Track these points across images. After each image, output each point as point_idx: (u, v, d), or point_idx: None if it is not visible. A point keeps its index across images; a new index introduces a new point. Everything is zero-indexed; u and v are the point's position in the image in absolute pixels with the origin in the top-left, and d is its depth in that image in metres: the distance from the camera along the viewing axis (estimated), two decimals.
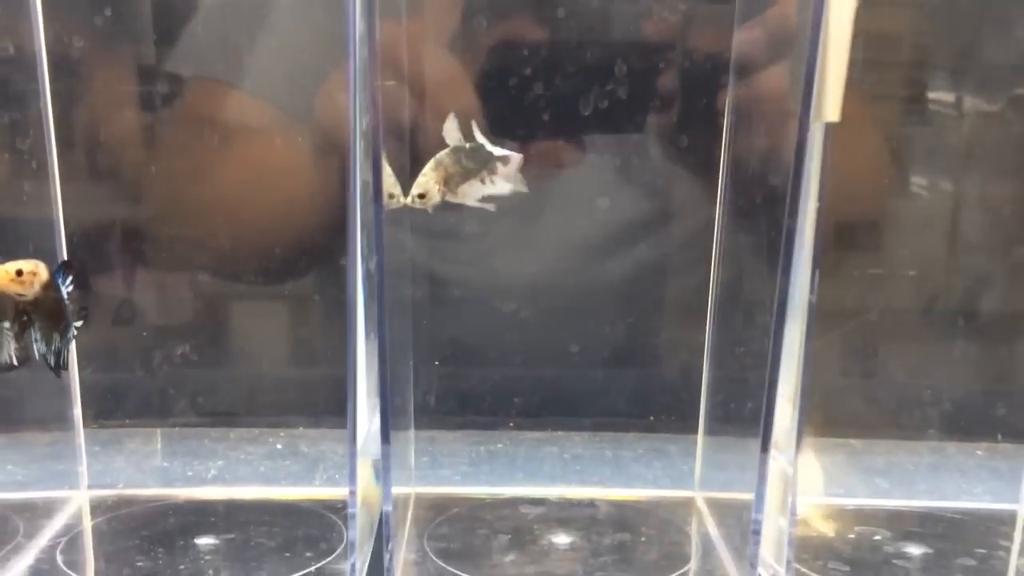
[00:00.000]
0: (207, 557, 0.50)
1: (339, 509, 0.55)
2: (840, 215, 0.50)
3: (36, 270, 0.43)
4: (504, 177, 0.46)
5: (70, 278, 0.46)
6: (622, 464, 0.64)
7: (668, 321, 0.67)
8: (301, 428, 0.68)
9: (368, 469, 0.47)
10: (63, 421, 0.57)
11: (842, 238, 0.60)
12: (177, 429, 0.66)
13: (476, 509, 0.56)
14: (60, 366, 0.46)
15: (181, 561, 0.49)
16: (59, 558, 0.50)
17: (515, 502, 0.57)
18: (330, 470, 0.62)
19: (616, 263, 0.65)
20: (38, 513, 0.54)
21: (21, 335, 0.45)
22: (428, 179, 0.46)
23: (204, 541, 0.52)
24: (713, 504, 0.56)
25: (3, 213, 0.56)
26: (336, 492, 0.58)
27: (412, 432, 0.59)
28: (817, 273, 0.42)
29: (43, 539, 0.52)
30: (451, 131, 0.47)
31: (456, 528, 0.54)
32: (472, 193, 0.46)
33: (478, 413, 0.68)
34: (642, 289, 0.66)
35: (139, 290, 0.64)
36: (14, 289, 0.43)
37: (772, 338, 0.43)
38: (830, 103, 0.39)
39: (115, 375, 0.65)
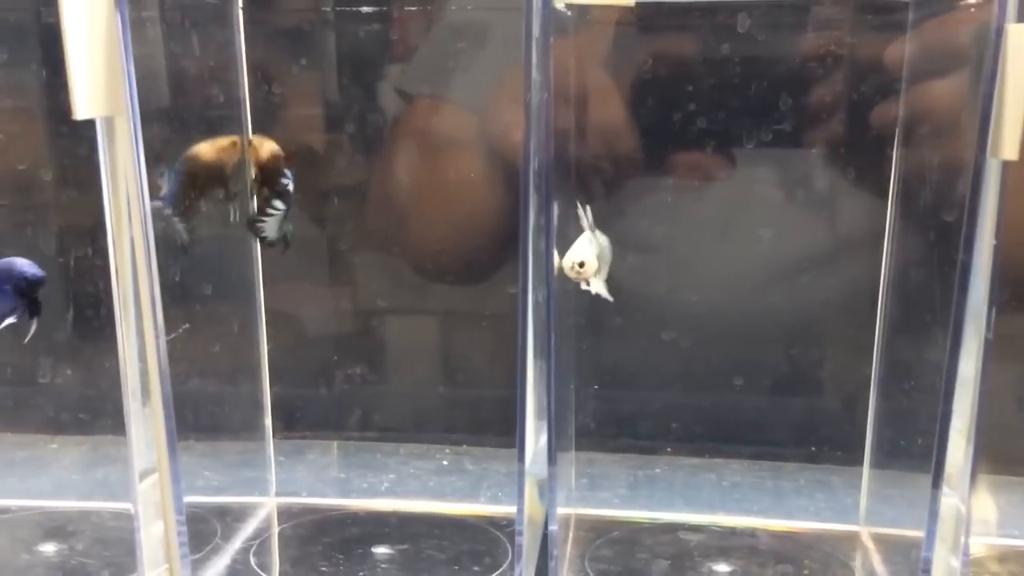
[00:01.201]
0: (383, 566, 0.54)
1: (503, 526, 0.58)
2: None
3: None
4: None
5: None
6: (782, 494, 0.64)
7: (833, 351, 0.66)
8: (465, 446, 0.71)
9: (533, 488, 0.50)
10: (254, 431, 0.62)
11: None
12: (352, 443, 0.71)
13: (635, 533, 0.58)
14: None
15: (360, 568, 0.53)
16: (252, 560, 0.54)
17: (674, 528, 0.58)
18: (493, 488, 0.65)
19: (783, 290, 0.65)
20: (233, 517, 0.59)
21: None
22: (588, 251, 0.48)
23: (380, 550, 0.55)
24: (879, 540, 0.55)
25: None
26: (500, 509, 0.60)
27: (573, 454, 0.60)
28: (993, 310, 0.41)
29: (237, 541, 0.57)
30: (584, 218, 0.50)
31: (616, 551, 0.55)
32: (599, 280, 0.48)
33: (637, 437, 0.69)
34: (808, 317, 0.66)
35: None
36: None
37: (945, 373, 0.42)
38: (1008, 140, 0.38)
39: (298, 390, 0.71)
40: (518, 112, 0.45)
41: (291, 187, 0.54)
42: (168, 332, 0.50)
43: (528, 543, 0.49)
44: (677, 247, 0.66)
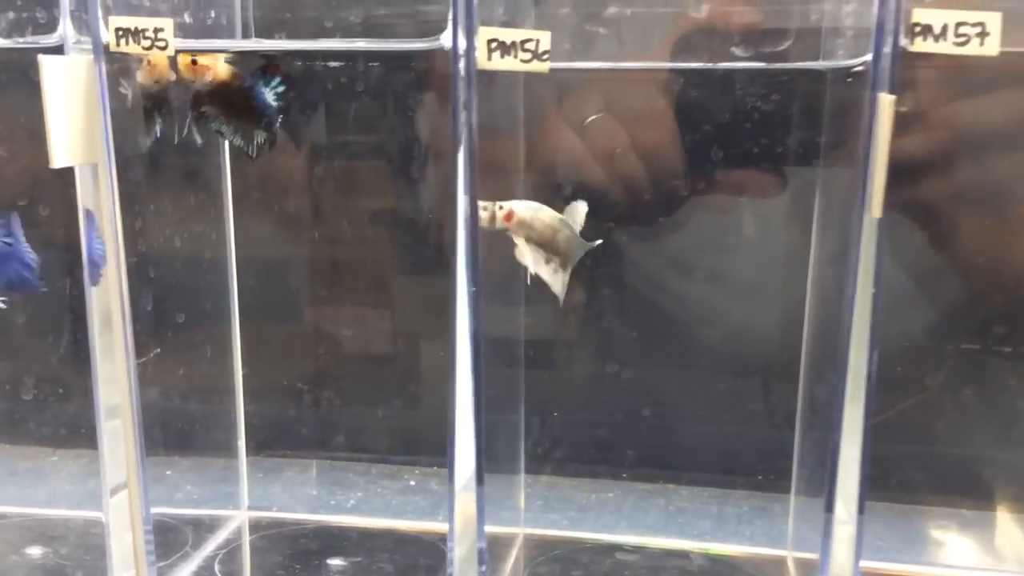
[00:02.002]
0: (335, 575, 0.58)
1: None
2: None
3: (210, 64, 0.53)
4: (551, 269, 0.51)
5: (277, 79, 0.54)
6: (724, 520, 0.67)
7: (779, 382, 0.70)
8: (435, 467, 0.75)
9: (472, 507, 0.54)
10: (230, 448, 0.67)
11: None
12: (327, 462, 0.75)
13: (576, 552, 0.61)
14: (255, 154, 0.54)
15: None
16: (217, 568, 0.59)
17: (613, 548, 0.62)
18: None
19: (731, 321, 0.69)
20: (205, 528, 0.64)
21: (198, 121, 0.54)
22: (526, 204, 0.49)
23: (335, 562, 0.60)
24: (801, 564, 0.58)
25: None
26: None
27: (522, 476, 0.64)
28: (875, 352, 0.45)
29: (206, 551, 0.61)
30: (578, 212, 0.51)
31: (554, 568, 0.59)
32: (532, 255, 0.50)
33: (593, 463, 0.73)
34: (756, 349, 0.69)
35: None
36: (187, 75, 0.53)
37: (833, 407, 0.46)
38: (876, 200, 0.42)
39: (277, 410, 0.75)
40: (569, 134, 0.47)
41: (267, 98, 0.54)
42: (142, 355, 0.55)
43: (466, 558, 0.53)
44: (630, 278, 0.70)
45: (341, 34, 0.62)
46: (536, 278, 0.51)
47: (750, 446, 0.70)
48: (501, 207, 0.50)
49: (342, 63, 0.63)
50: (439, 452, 0.75)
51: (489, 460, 0.60)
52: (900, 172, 0.56)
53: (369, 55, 0.63)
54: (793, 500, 0.60)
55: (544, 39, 0.46)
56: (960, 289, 0.64)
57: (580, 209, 0.51)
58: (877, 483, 0.66)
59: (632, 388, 0.73)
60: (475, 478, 0.51)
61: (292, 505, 0.69)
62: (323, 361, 0.76)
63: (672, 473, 0.72)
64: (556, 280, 0.51)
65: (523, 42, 0.46)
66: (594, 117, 0.61)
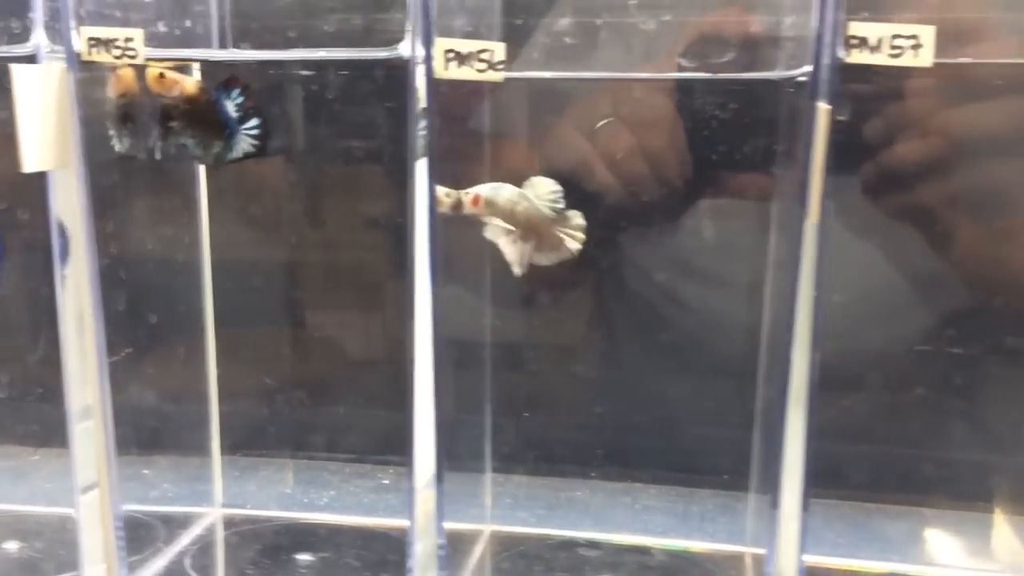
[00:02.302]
0: (302, 571, 0.59)
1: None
2: None
3: (179, 79, 0.53)
4: (522, 248, 0.52)
5: (236, 91, 0.54)
6: (688, 517, 0.68)
7: (742, 382, 0.71)
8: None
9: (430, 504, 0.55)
10: (204, 447, 0.69)
11: None
12: (303, 461, 0.76)
13: (539, 548, 0.63)
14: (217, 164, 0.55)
15: (281, 572, 0.59)
16: (187, 562, 0.61)
17: (576, 544, 0.63)
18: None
19: (702, 320, 0.70)
20: (178, 524, 0.65)
21: (165, 135, 0.54)
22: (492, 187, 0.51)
23: (303, 558, 0.61)
24: (757, 559, 0.59)
25: None
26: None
27: (489, 475, 0.66)
28: (818, 355, 0.46)
29: (178, 546, 0.63)
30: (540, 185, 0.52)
31: (518, 564, 0.61)
32: (502, 230, 0.52)
33: (563, 462, 0.74)
34: (728, 346, 0.71)
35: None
36: (155, 89, 0.53)
37: (776, 405, 0.48)
38: (814, 206, 0.44)
39: (254, 409, 0.77)
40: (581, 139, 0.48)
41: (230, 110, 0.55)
42: (114, 355, 0.57)
43: (430, 554, 0.55)
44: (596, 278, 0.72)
45: (314, 44, 0.63)
46: (530, 273, 0.52)
47: (716, 445, 0.71)
48: (467, 193, 0.52)
49: (313, 72, 0.64)
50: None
51: (453, 459, 0.62)
52: (894, 177, 0.58)
53: (340, 64, 0.64)
54: (752, 498, 0.62)
55: (499, 50, 0.48)
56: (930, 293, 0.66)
57: (540, 183, 0.51)
58: (843, 482, 0.69)
59: (602, 389, 0.75)
60: (436, 477, 0.53)
61: (266, 503, 0.70)
62: (300, 362, 0.78)
63: (640, 472, 0.74)
64: (514, 251, 0.52)
65: (478, 52, 0.48)
66: (604, 122, 0.63)
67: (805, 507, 0.48)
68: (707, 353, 0.70)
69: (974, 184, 0.60)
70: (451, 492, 0.65)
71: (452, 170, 0.53)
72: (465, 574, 0.59)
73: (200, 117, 0.55)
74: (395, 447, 0.78)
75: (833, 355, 0.67)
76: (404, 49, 0.49)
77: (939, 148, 0.58)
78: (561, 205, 0.50)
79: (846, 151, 0.56)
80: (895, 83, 0.57)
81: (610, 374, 0.77)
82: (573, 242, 0.51)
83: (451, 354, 0.66)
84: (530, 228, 0.51)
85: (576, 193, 0.59)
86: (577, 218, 0.51)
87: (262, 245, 0.71)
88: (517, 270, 0.53)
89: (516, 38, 0.60)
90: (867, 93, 0.56)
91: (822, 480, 0.69)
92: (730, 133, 0.60)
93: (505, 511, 0.69)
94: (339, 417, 0.77)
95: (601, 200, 0.64)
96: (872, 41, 0.43)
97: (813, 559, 0.59)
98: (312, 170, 0.68)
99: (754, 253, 0.60)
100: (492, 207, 0.52)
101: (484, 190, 0.52)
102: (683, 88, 0.58)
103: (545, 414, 0.75)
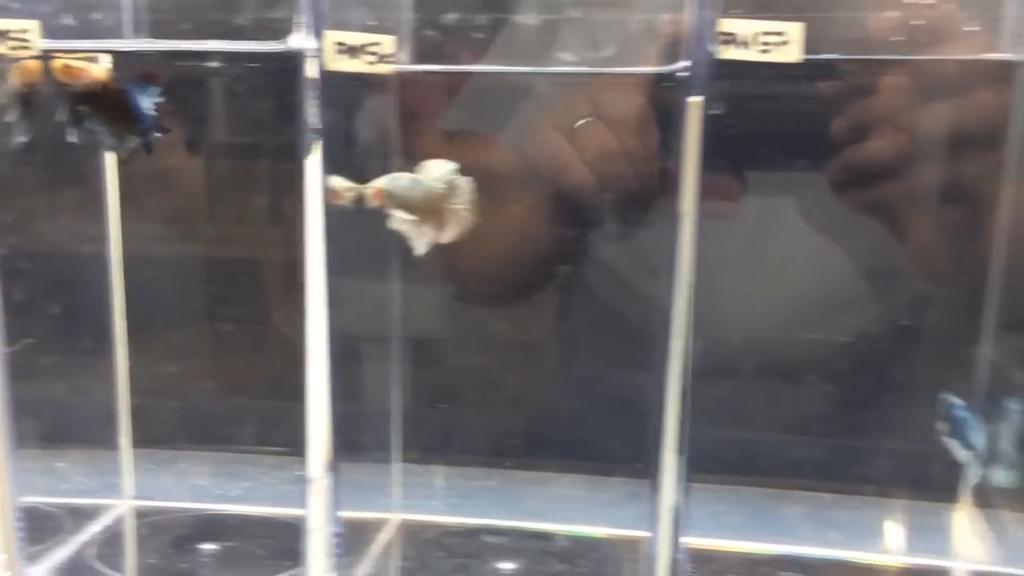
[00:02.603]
0: (205, 560, 0.60)
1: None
2: None
3: (86, 67, 0.53)
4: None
5: (155, 89, 0.55)
6: (597, 505, 0.70)
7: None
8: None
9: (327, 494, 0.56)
10: (114, 440, 0.69)
11: None
12: (221, 454, 0.77)
13: (445, 536, 0.64)
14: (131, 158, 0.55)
15: (183, 562, 0.60)
16: (91, 552, 0.61)
17: (481, 531, 0.64)
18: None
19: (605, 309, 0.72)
20: (85, 516, 0.65)
21: (77, 122, 0.54)
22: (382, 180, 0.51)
23: (207, 547, 0.62)
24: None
25: None
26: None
27: (399, 464, 0.67)
28: (691, 339, 0.48)
29: (83, 536, 0.63)
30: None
31: (422, 550, 0.62)
32: (403, 224, 0.52)
33: (479, 452, 0.75)
34: (625, 339, 0.72)
35: None
36: (62, 78, 0.53)
37: (654, 392, 0.49)
38: (687, 198, 0.45)
39: (172, 404, 0.77)
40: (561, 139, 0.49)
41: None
42: (15, 344, 0.57)
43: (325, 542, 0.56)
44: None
45: (234, 36, 0.64)
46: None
47: (625, 433, 0.73)
48: (369, 187, 0.53)
49: (223, 64, 0.65)
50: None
51: (359, 450, 0.63)
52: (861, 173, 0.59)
53: (252, 57, 0.65)
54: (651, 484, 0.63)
55: (388, 43, 0.49)
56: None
57: (433, 165, 0.52)
58: (744, 468, 0.71)
59: (518, 379, 0.76)
60: (329, 465, 0.53)
61: (179, 495, 0.71)
62: (220, 356, 0.78)
63: (555, 461, 0.75)
64: (418, 235, 0.53)
65: (367, 45, 0.49)
66: (583, 122, 0.64)
67: (684, 491, 0.49)
68: (616, 343, 0.72)
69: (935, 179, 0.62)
70: (360, 482, 0.66)
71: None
72: (367, 562, 0.60)
73: (111, 104, 0.55)
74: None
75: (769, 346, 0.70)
76: (295, 42, 0.50)
77: (898, 145, 0.60)
78: (452, 179, 0.51)
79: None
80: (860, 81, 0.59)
81: (530, 365, 0.78)
82: (467, 214, 0.51)
83: (361, 346, 0.67)
84: (429, 211, 0.52)
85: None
86: (468, 192, 0.52)
87: (170, 239, 0.71)
88: (419, 252, 0.54)
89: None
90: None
91: (732, 466, 0.71)
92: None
93: (418, 500, 0.69)
94: (258, 410, 0.78)
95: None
96: (742, 37, 0.44)
97: (704, 542, 0.61)
98: (217, 164, 0.68)
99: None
100: (392, 198, 0.53)
101: (383, 182, 0.53)
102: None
103: (462, 405, 0.76)
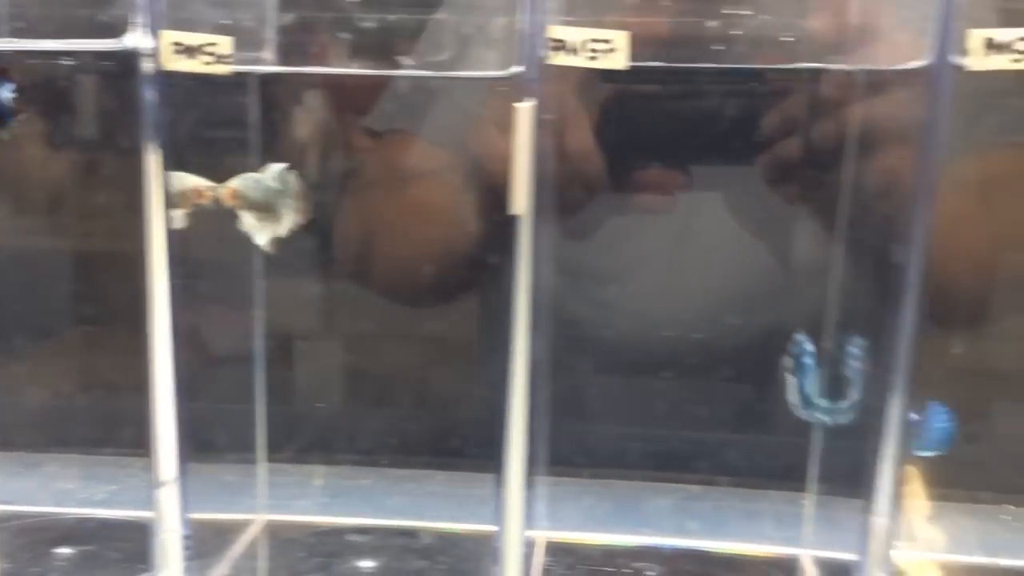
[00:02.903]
0: (59, 563, 0.60)
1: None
2: None
3: None
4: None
5: (10, 85, 0.54)
6: (469, 501, 0.71)
7: None
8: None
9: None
10: None
11: None
12: (94, 457, 0.75)
13: (310, 536, 0.64)
14: None
15: (35, 566, 0.59)
16: None
17: (346, 531, 0.65)
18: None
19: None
20: None
21: None
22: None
23: (62, 551, 0.61)
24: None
25: None
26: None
27: (263, 464, 0.66)
28: (538, 340, 0.49)
29: None
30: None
31: (282, 551, 0.62)
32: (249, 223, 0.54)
33: (354, 452, 0.75)
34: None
35: None
36: None
37: (499, 388, 0.50)
38: (519, 198, 0.46)
39: (37, 406, 0.76)
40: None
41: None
42: None
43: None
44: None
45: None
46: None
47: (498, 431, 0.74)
48: (225, 187, 0.53)
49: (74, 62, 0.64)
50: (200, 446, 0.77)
51: (220, 450, 0.62)
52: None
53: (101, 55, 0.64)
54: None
55: (225, 43, 0.49)
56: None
57: (272, 167, 0.54)
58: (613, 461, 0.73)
59: (392, 378, 0.76)
60: (177, 467, 0.53)
61: (43, 499, 0.69)
62: (90, 355, 0.77)
63: (429, 459, 0.76)
64: (260, 228, 0.54)
65: (204, 45, 0.48)
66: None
67: (529, 485, 0.50)
68: (484, 341, 0.73)
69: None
70: (229, 483, 0.66)
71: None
72: (225, 563, 0.59)
73: None
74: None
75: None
76: (130, 41, 0.49)
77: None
78: (288, 179, 0.53)
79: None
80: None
81: (410, 363, 0.78)
82: (299, 210, 0.53)
83: (223, 344, 0.67)
84: (268, 208, 0.53)
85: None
86: (297, 189, 0.53)
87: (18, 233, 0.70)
88: (265, 248, 0.54)
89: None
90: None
91: (604, 460, 0.73)
92: None
93: (285, 501, 0.69)
94: (125, 412, 0.77)
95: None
96: (570, 44, 0.45)
97: (565, 535, 0.62)
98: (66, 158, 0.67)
99: None
100: (241, 199, 0.53)
101: (236, 183, 0.53)
102: None
103: (335, 404, 0.76)
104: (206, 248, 0.59)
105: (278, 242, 0.54)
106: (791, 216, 0.68)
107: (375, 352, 0.78)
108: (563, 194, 0.64)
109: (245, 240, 0.56)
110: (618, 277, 0.74)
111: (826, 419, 0.55)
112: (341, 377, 0.79)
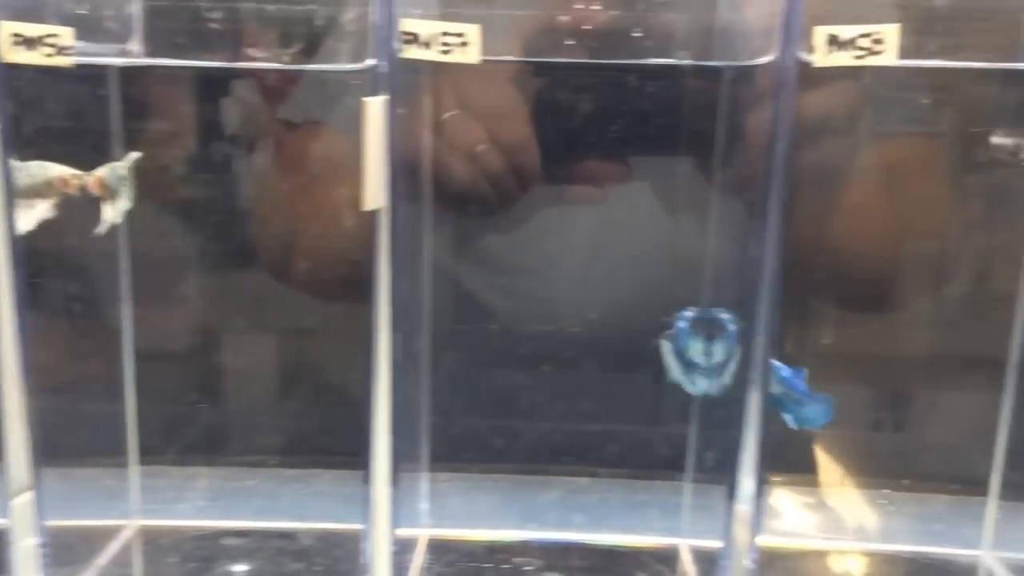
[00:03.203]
0: None
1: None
2: None
3: None
4: None
5: None
6: (352, 500, 0.70)
7: None
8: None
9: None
10: None
11: None
12: None
13: (187, 540, 0.62)
14: None
15: None
16: None
17: (223, 534, 0.63)
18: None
19: None
20: None
21: None
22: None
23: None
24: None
25: None
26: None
27: (135, 468, 0.65)
28: (400, 336, 0.48)
29: None
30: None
31: (154, 556, 0.60)
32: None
33: (240, 452, 0.74)
34: None
35: None
36: None
37: (364, 385, 0.49)
38: (371, 194, 0.46)
39: None
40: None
41: None
42: None
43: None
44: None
45: None
46: None
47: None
48: (91, 176, 0.52)
49: None
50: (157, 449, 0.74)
51: (85, 454, 0.61)
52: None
53: None
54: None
55: (67, 35, 0.47)
56: None
57: (131, 155, 0.54)
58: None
59: (283, 375, 0.75)
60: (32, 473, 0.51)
61: None
62: None
63: (320, 457, 0.75)
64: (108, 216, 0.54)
65: (44, 37, 0.47)
66: (450, 114, 0.63)
67: (394, 482, 0.50)
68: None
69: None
70: (107, 487, 0.64)
71: None
72: (91, 570, 0.58)
73: None
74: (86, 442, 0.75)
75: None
76: None
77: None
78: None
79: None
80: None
81: (304, 359, 0.77)
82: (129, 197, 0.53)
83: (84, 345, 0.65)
84: (112, 195, 0.53)
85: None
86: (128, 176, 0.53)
87: None
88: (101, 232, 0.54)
89: None
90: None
91: (494, 454, 0.72)
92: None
93: (162, 505, 0.68)
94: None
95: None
96: (423, 37, 0.45)
97: (446, 532, 0.62)
98: None
99: None
100: (105, 187, 0.52)
101: (102, 171, 0.53)
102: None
103: (217, 403, 0.74)
104: (77, 239, 0.57)
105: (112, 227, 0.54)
106: (679, 208, 0.68)
107: (271, 348, 0.77)
108: (497, 187, 0.64)
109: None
110: (519, 268, 0.74)
111: (701, 383, 0.54)
112: (231, 375, 0.77)
